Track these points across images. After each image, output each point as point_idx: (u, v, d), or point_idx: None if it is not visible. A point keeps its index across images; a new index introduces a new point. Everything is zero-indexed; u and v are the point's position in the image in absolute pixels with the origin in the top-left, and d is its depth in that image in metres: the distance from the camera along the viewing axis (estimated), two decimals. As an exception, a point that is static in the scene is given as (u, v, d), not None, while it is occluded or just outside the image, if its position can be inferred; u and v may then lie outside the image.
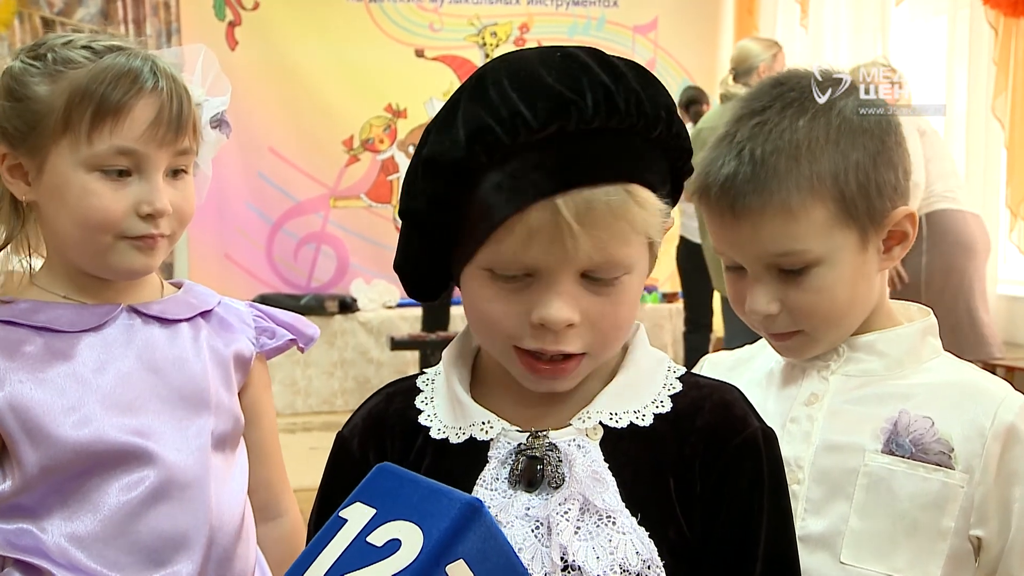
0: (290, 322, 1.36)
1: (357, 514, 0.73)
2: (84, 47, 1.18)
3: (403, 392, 1.01)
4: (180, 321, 1.25)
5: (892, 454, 1.06)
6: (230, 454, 1.25)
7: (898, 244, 1.13)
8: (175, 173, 1.20)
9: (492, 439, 0.92)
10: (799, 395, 1.13)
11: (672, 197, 0.93)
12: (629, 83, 0.87)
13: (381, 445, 0.98)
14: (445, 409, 0.96)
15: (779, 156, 1.05)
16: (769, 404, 1.14)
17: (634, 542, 0.87)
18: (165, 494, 1.15)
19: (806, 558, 1.00)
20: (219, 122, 1.28)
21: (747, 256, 1.09)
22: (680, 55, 6.23)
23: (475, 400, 0.95)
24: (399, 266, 0.96)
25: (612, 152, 0.86)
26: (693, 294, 5.21)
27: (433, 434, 0.95)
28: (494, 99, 0.85)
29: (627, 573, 0.86)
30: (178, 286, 1.30)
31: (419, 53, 6.53)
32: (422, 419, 0.96)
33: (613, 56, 0.90)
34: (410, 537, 0.68)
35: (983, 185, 4.62)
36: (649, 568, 0.87)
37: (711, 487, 0.90)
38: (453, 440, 0.94)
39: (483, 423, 0.93)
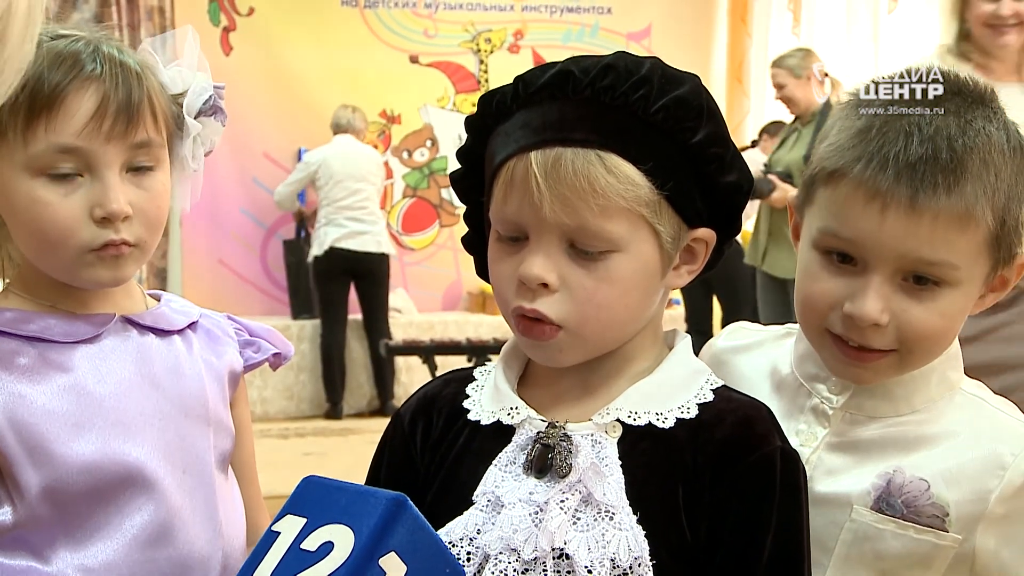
0: (267, 337, 1.25)
1: (289, 525, 0.76)
2: None
3: (459, 379, 1.08)
4: (173, 332, 1.15)
5: (882, 512, 0.98)
6: (227, 473, 1.17)
7: (994, 292, 1.01)
8: (138, 170, 1.06)
9: (517, 425, 0.98)
10: (795, 426, 1.03)
11: (706, 206, 0.96)
12: (642, 72, 0.93)
13: (428, 422, 1.05)
14: (488, 395, 1.02)
15: (974, 155, 0.91)
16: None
17: (628, 539, 0.89)
18: (178, 518, 1.07)
19: None
20: (213, 109, 1.14)
21: (889, 253, 0.93)
22: (673, 62, 6.15)
23: (520, 392, 1.01)
24: (467, 241, 1.07)
25: (596, 120, 0.92)
26: (691, 300, 5.24)
27: (471, 416, 1.01)
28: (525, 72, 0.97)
29: (617, 568, 0.89)
30: (156, 298, 1.20)
31: (413, 59, 6.56)
32: (467, 403, 1.03)
33: (655, 60, 0.96)
34: (342, 538, 0.72)
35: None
36: (639, 565, 0.89)
37: (719, 498, 0.92)
38: (485, 421, 0.99)
39: (512, 408, 0.98)
